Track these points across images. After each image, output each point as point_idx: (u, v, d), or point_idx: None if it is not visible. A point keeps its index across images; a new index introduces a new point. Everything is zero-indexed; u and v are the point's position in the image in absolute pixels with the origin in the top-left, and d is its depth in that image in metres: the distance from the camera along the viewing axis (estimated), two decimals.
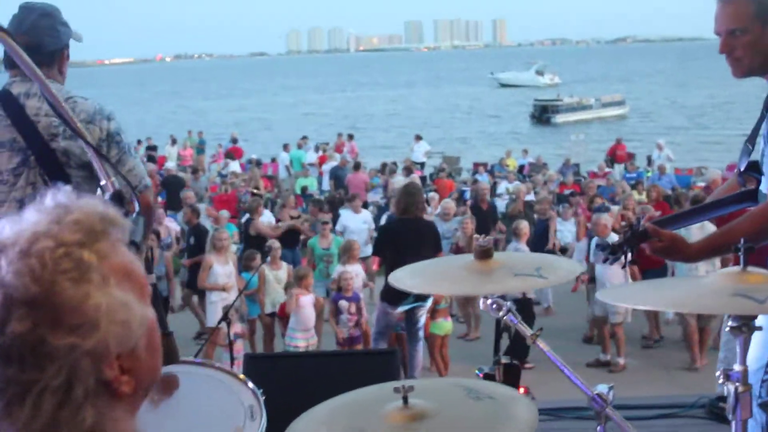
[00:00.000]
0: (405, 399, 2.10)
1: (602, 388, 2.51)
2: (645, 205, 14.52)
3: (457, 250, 12.56)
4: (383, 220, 14.58)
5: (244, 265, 11.57)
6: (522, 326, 2.68)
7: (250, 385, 2.51)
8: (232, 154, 27.44)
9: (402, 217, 9.31)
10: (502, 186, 21.01)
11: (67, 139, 3.41)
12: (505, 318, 7.10)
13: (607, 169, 24.37)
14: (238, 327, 10.27)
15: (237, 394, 2.44)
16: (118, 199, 2.10)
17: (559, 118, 55.16)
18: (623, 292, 2.54)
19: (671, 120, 57.24)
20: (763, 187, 3.13)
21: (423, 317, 9.60)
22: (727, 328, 2.37)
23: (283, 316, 10.56)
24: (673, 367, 10.83)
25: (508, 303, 2.65)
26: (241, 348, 10.21)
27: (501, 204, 18.40)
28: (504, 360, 7.47)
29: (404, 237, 8.96)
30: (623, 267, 3.23)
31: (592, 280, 11.19)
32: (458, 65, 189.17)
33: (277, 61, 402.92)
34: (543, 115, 56.50)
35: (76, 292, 1.23)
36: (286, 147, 27.89)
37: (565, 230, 14.82)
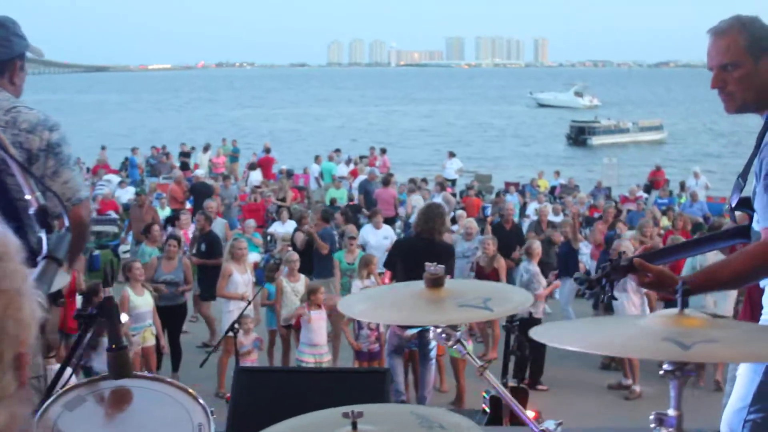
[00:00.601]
0: (354, 425, 2.07)
1: (549, 425, 2.46)
2: (673, 234, 14.40)
3: (478, 269, 12.50)
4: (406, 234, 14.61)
5: (267, 276, 11.60)
6: (470, 357, 2.63)
7: (201, 401, 2.48)
8: (254, 164, 27.60)
9: (418, 236, 9.26)
10: (531, 207, 20.90)
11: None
12: (513, 343, 7.03)
13: (638, 194, 24.15)
14: (253, 335, 10.28)
15: (187, 411, 2.42)
16: (42, 215, 2.09)
17: (596, 141, 54.95)
18: (554, 331, 2.49)
19: (707, 147, 56.78)
20: (754, 224, 3.08)
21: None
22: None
23: (298, 328, 10.57)
24: (691, 395, 10.67)
25: (459, 333, 2.60)
26: (255, 359, 10.22)
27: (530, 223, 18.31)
28: (511, 383, 7.41)
29: (415, 255, 8.69)
30: (602, 302, 3.19)
31: (608, 307, 11.07)
32: (497, 83, 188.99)
33: (318, 72, 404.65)
34: (579, 136, 56.32)
35: None
36: (317, 159, 27.98)
37: (589, 253, 14.69)
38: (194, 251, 13.17)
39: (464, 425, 2.31)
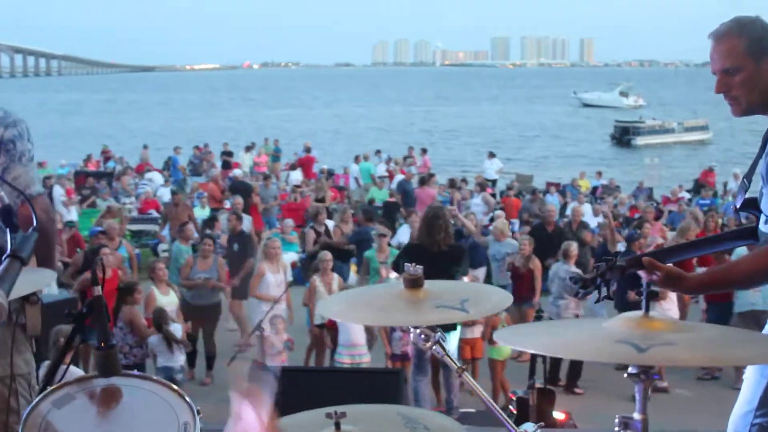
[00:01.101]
0: (337, 425, 2.07)
1: (528, 426, 2.44)
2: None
3: (513, 269, 12.44)
4: None
5: (305, 275, 11.64)
6: (448, 358, 2.61)
7: (188, 400, 2.49)
8: (294, 164, 27.73)
9: (420, 241, 8.97)
10: (571, 207, 20.73)
11: None
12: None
13: (680, 195, 23.88)
14: (284, 336, 10.32)
15: (174, 410, 2.43)
16: (5, 214, 2.10)
17: (640, 141, 54.50)
18: (517, 335, 2.48)
19: (752, 147, 55.83)
20: (761, 226, 3.04)
21: (452, 346, 9.14)
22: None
23: (331, 326, 10.58)
24: (726, 402, 10.55)
25: (437, 334, 2.58)
26: (285, 359, 10.25)
27: None
28: (538, 384, 7.36)
29: (422, 263, 8.52)
30: (597, 302, 3.17)
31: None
32: (543, 83, 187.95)
33: (362, 72, 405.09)
34: (624, 136, 55.91)
35: None
36: (357, 159, 28.03)
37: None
38: (226, 252, 13.27)
39: (449, 427, 2.30)
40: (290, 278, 11.92)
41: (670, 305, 10.82)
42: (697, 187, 26.82)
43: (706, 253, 3.76)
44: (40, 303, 3.25)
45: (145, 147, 34.32)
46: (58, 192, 20.16)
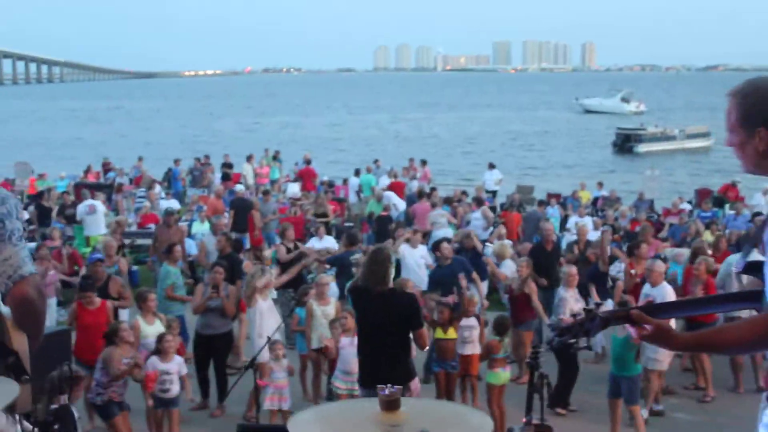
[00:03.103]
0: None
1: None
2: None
3: (509, 292, 12.37)
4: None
5: (297, 301, 11.51)
6: None
7: None
8: (296, 176, 27.66)
9: (363, 284, 8.12)
10: (572, 220, 20.63)
11: None
12: (537, 380, 6.91)
13: (681, 207, 23.75)
14: (284, 362, 10.22)
15: None
16: None
17: (642, 148, 54.60)
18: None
19: None
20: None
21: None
22: None
23: (327, 352, 10.51)
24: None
25: None
26: (286, 384, 10.16)
27: (570, 237, 18.08)
28: (535, 421, 7.28)
29: (372, 310, 7.94)
30: (572, 350, 3.15)
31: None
32: (544, 88, 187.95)
33: (364, 77, 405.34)
34: (626, 144, 56.01)
35: None
36: (357, 172, 27.91)
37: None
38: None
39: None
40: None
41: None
42: (719, 202, 26.35)
43: (701, 314, 3.66)
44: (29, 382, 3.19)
45: (140, 159, 34.30)
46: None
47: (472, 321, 10.78)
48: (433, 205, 20.18)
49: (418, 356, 11.13)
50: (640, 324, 3.02)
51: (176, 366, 9.63)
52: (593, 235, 17.34)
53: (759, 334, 2.88)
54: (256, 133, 73.61)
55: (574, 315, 3.17)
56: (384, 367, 7.79)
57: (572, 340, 3.18)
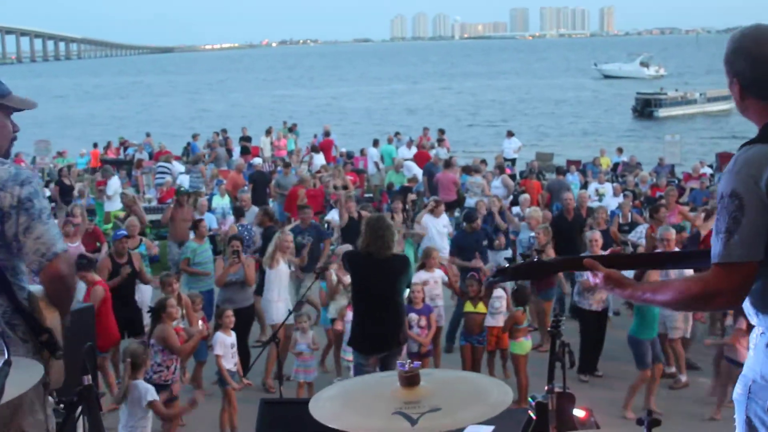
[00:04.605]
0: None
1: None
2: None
3: None
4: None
5: (317, 274, 11.49)
6: None
7: None
8: (317, 147, 27.50)
9: (365, 251, 8.30)
10: (592, 187, 20.50)
11: None
12: (558, 348, 6.92)
13: (702, 171, 23.57)
14: (310, 334, 10.26)
15: None
16: None
17: (663, 112, 54.27)
18: (327, 407, 2.58)
19: None
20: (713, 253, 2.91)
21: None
22: None
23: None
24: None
25: None
26: (308, 357, 10.21)
27: (591, 204, 17.95)
28: (557, 389, 7.28)
29: (366, 272, 8.23)
30: (488, 284, 3.39)
31: None
32: (563, 54, 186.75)
33: (381, 47, 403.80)
34: (645, 109, 55.62)
35: None
36: (375, 142, 27.79)
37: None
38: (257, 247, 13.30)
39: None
40: None
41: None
42: None
43: (651, 268, 3.78)
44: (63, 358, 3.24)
45: (148, 135, 34.38)
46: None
47: (500, 291, 10.80)
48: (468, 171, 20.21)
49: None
50: (592, 271, 3.22)
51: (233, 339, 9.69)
52: (614, 202, 17.30)
53: (688, 295, 2.92)
54: (275, 106, 73.52)
55: (522, 255, 3.47)
56: (386, 333, 8.15)
57: (498, 279, 3.66)
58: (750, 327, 3.10)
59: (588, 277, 3.29)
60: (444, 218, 14.86)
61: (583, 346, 11.10)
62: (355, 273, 8.45)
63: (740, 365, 3.05)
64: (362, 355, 8.26)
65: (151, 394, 7.59)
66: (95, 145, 33.31)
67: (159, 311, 8.81)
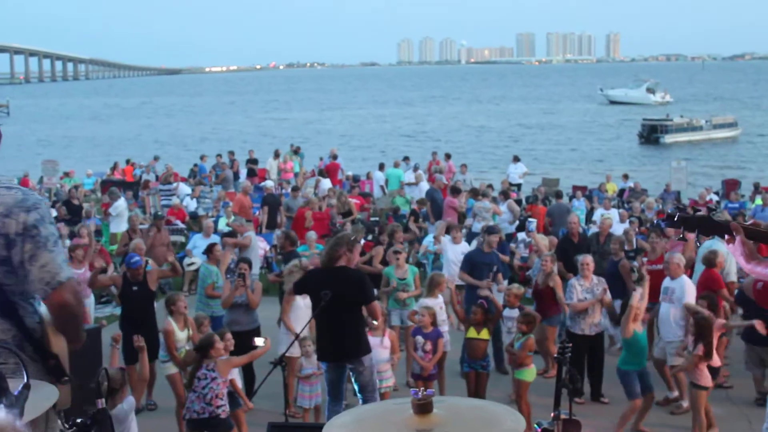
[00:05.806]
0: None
1: None
2: None
3: (534, 286, 12.35)
4: (472, 245, 14.47)
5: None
6: None
7: None
8: (323, 171, 27.52)
9: (327, 269, 8.99)
10: (598, 213, 20.50)
11: None
12: (564, 375, 6.93)
13: (708, 198, 23.58)
14: (314, 358, 10.24)
15: None
16: None
17: (668, 139, 54.34)
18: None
19: None
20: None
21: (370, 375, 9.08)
22: None
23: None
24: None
25: None
26: (316, 382, 10.20)
27: (596, 230, 17.94)
28: (563, 415, 7.27)
29: (324, 287, 8.51)
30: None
31: None
32: (569, 80, 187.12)
33: (387, 71, 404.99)
34: (651, 135, 55.68)
35: None
36: (381, 166, 27.87)
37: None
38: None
39: None
40: None
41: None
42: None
43: None
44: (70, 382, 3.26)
45: (156, 158, 34.53)
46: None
47: (516, 312, 10.85)
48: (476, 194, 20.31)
49: (453, 351, 11.23)
50: (736, 233, 3.60)
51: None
52: (620, 228, 17.27)
53: None
54: (279, 128, 73.71)
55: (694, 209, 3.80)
56: (338, 342, 8.68)
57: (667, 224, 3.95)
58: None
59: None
60: (464, 245, 14.76)
61: (589, 372, 11.13)
62: (308, 290, 9.17)
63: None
64: (326, 363, 9.06)
65: (129, 403, 7.71)
66: (128, 162, 33.78)
67: (207, 348, 8.82)
